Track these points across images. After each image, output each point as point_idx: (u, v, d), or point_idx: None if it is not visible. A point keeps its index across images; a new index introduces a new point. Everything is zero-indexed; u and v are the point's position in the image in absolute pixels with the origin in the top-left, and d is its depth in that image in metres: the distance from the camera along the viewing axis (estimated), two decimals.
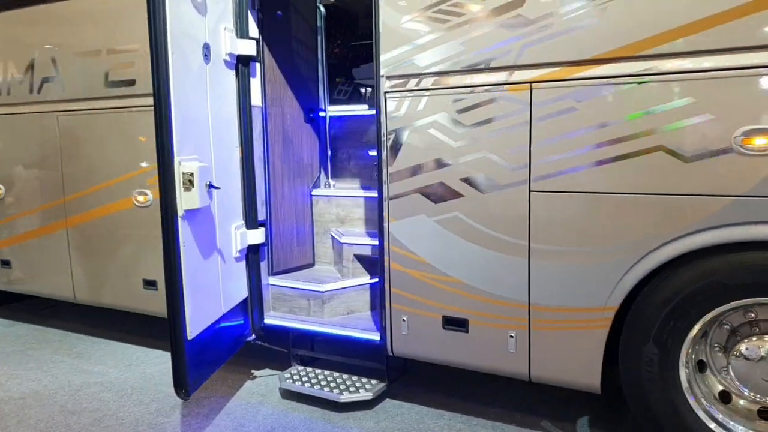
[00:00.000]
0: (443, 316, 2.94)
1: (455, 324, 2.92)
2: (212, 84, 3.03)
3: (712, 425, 2.43)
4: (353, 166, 4.29)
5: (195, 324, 2.74)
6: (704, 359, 2.57)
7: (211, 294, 2.99)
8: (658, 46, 2.31)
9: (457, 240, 2.84)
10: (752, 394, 2.44)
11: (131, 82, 3.82)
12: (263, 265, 3.69)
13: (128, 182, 3.92)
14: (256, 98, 3.53)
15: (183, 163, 2.62)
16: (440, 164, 2.84)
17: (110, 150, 3.94)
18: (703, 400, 2.50)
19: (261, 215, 3.62)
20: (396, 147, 2.95)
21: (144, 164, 3.83)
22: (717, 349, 2.56)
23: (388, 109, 2.95)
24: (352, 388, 3.34)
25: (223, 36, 3.15)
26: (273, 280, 3.78)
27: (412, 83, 2.87)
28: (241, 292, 3.46)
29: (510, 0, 2.56)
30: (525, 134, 2.61)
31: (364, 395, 3.26)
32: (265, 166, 3.69)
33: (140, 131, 3.79)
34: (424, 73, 2.83)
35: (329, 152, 4.28)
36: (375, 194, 3.85)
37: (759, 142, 2.16)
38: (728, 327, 2.51)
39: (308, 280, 3.76)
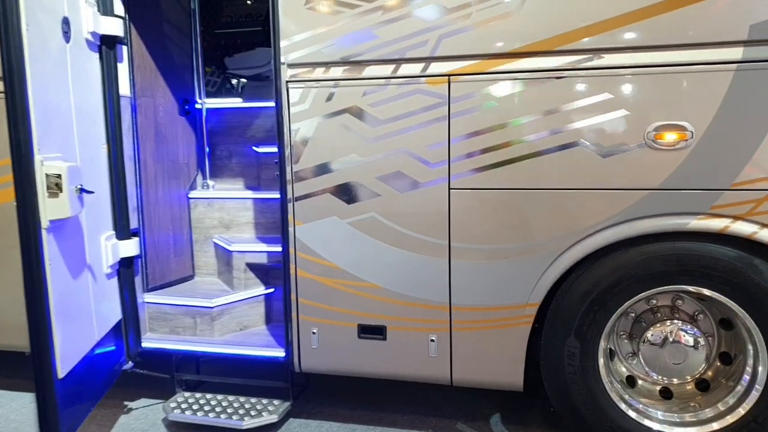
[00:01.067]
0: (359, 325, 2.78)
1: (372, 332, 2.77)
2: (74, 68, 2.54)
3: (633, 414, 2.55)
4: (235, 164, 3.93)
5: (66, 359, 2.28)
6: (612, 347, 2.70)
7: (82, 320, 2.51)
8: (574, 42, 2.35)
9: (373, 242, 2.69)
10: (660, 377, 2.60)
11: None
12: (137, 281, 3.22)
13: None
14: (124, 87, 3.06)
15: (46, 163, 2.14)
16: (353, 162, 2.66)
17: None
18: (621, 390, 2.62)
19: (133, 223, 3.15)
20: (301, 143, 2.72)
21: None
22: (624, 336, 2.70)
23: (291, 101, 2.70)
24: (253, 412, 3.04)
25: (83, 10, 2.67)
26: (149, 297, 3.33)
27: (318, 72, 2.66)
28: (115, 313, 2.98)
29: None
30: (444, 129, 2.53)
31: (269, 418, 2.98)
32: (135, 167, 3.22)
33: None
34: (332, 62, 2.63)
35: (207, 149, 3.88)
36: (266, 195, 3.60)
37: (669, 137, 2.29)
38: (633, 315, 2.66)
39: (192, 295, 3.37)
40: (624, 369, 2.72)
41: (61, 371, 2.22)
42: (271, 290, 3.47)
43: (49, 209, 2.13)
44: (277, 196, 3.50)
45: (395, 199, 2.63)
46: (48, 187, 2.12)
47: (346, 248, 2.73)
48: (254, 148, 3.82)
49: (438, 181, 2.57)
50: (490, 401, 3.30)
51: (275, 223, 3.62)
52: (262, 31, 4.97)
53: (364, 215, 2.68)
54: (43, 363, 2.14)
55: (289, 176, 2.76)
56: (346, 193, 2.69)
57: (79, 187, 2.28)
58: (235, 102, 3.95)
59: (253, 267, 3.42)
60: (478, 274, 2.58)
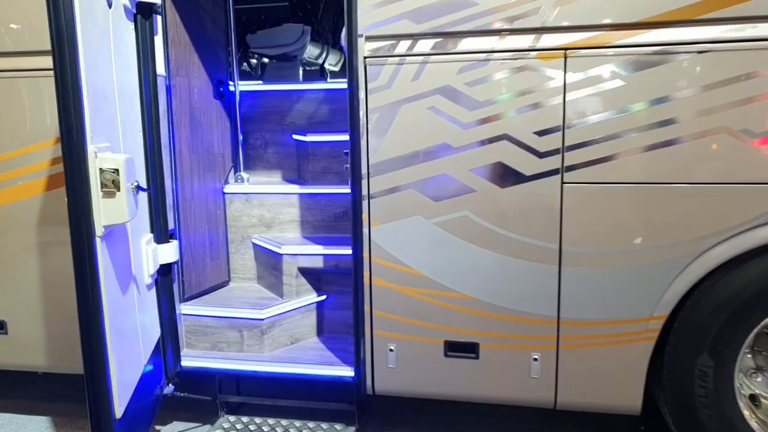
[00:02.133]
0: (446, 341, 2.48)
1: (462, 349, 2.48)
2: (115, 40, 2.19)
3: None
4: (272, 154, 3.60)
5: (122, 394, 1.95)
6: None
7: (132, 344, 2.18)
8: (722, 9, 2.06)
9: (465, 246, 2.39)
10: None
11: None
12: (174, 290, 2.88)
13: None
14: (159, 65, 2.70)
15: (100, 155, 1.80)
16: (444, 152, 2.35)
17: None
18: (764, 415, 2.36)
19: (170, 223, 2.81)
20: (381, 130, 2.40)
21: None
22: (746, 351, 2.43)
23: (368, 81, 2.37)
24: None
25: None
26: (187, 309, 3.00)
27: (403, 46, 2.33)
28: (156, 329, 2.65)
29: None
30: (557, 113, 2.24)
31: None
32: (171, 157, 2.88)
33: None
34: (421, 34, 2.31)
35: (241, 137, 3.53)
36: (315, 190, 3.28)
37: None
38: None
39: (236, 305, 3.05)
40: (746, 387, 2.45)
41: (119, 409, 1.89)
42: (324, 297, 3.16)
43: (103, 212, 1.79)
44: (328, 190, 3.26)
45: (494, 195, 2.33)
46: (103, 185, 1.78)
47: (432, 253, 2.43)
48: (294, 136, 3.49)
49: (548, 174, 2.27)
50: (569, 420, 3.02)
51: (324, 221, 3.30)
52: (289, 5, 4.63)
53: (455, 214, 2.38)
54: (100, 400, 1.81)
55: (364, 170, 2.44)
56: (433, 188, 2.38)
57: (136, 184, 1.94)
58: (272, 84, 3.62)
59: (304, 272, 3.10)
60: (595, 284, 2.30)
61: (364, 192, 2.46)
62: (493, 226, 2.36)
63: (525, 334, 2.40)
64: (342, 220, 3.26)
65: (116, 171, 1.79)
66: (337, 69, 5.53)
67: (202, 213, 3.16)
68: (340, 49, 5.82)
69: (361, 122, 2.41)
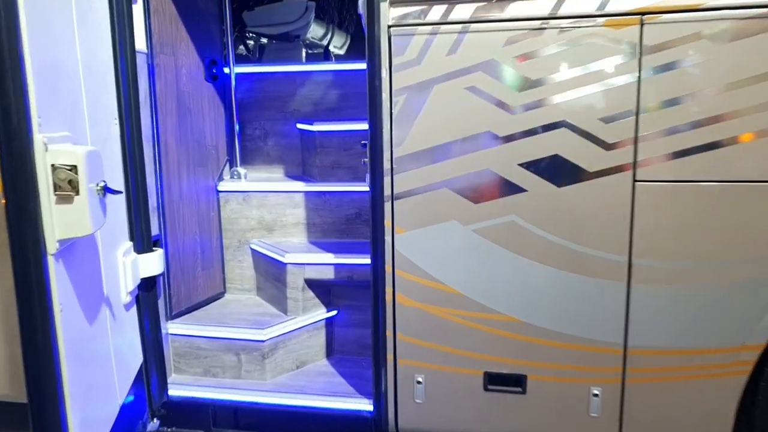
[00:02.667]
0: (486, 373, 2.10)
1: (506, 382, 2.10)
2: (81, 6, 1.79)
3: None
4: (272, 147, 3.20)
5: None
6: None
7: (105, 375, 1.79)
8: None
9: (511, 258, 2.00)
10: None
11: None
12: (159, 306, 2.50)
13: None
14: (140, 40, 2.31)
15: (52, 147, 1.40)
16: (486, 142, 1.96)
17: None
18: None
19: (154, 228, 2.42)
20: (408, 117, 2.01)
21: None
22: None
23: (393, 55, 1.98)
24: None
25: None
26: (175, 328, 2.63)
27: (437, 13, 1.94)
28: (136, 357, 2.26)
29: None
30: (630, 93, 1.85)
31: None
32: (154, 150, 2.49)
33: None
34: None
35: (237, 127, 3.13)
36: (323, 188, 2.90)
37: None
38: None
39: (232, 323, 2.67)
40: None
41: None
42: (334, 313, 2.78)
43: (58, 223, 1.40)
44: (338, 188, 2.87)
45: (548, 195, 1.94)
46: (57, 187, 1.38)
47: (470, 266, 2.04)
48: (298, 125, 3.10)
49: (617, 171, 1.88)
50: None
51: (334, 224, 2.92)
52: None
53: (499, 219, 1.99)
54: None
55: (386, 164, 2.05)
56: (473, 187, 1.99)
57: (102, 185, 1.54)
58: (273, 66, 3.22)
59: (312, 284, 2.71)
60: (672, 305, 1.91)
61: (387, 192, 2.07)
62: (546, 233, 1.96)
63: (583, 364, 2.02)
64: (355, 223, 2.87)
65: (74, 168, 1.40)
66: (342, 52, 5.13)
67: (192, 215, 2.77)
68: (346, 30, 5.41)
69: (383, 107, 2.02)
